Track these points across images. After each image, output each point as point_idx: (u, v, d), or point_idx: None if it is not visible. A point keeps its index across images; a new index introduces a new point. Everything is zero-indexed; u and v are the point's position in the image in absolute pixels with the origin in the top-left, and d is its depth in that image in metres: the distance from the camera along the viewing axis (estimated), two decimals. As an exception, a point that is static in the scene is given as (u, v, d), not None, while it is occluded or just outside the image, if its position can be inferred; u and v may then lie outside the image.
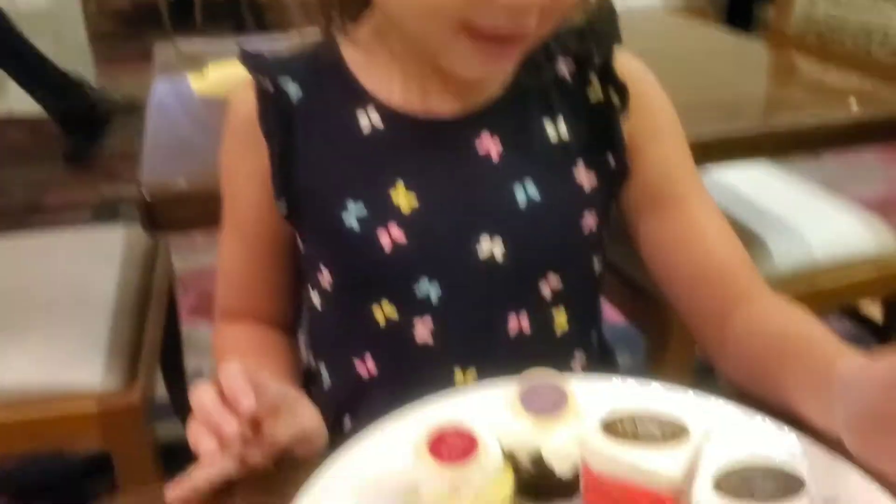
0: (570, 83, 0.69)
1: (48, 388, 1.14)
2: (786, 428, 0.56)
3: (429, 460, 0.48)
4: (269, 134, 0.68)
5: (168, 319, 1.50)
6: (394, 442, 0.54)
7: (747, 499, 0.44)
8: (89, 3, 4.59)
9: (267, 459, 0.56)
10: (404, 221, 0.65)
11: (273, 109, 0.68)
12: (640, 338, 1.54)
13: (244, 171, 0.72)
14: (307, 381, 0.79)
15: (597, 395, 0.55)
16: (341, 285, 0.69)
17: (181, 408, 1.67)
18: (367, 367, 0.70)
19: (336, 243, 0.67)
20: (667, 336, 1.35)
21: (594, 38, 0.69)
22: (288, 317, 0.79)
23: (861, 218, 1.57)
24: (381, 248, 0.65)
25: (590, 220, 0.69)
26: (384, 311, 0.67)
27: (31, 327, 1.23)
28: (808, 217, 1.54)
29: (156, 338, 1.36)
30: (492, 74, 0.65)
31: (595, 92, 0.69)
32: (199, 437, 0.53)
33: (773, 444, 0.55)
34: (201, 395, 0.54)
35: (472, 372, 0.68)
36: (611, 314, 1.95)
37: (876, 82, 1.39)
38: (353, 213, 0.65)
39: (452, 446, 0.48)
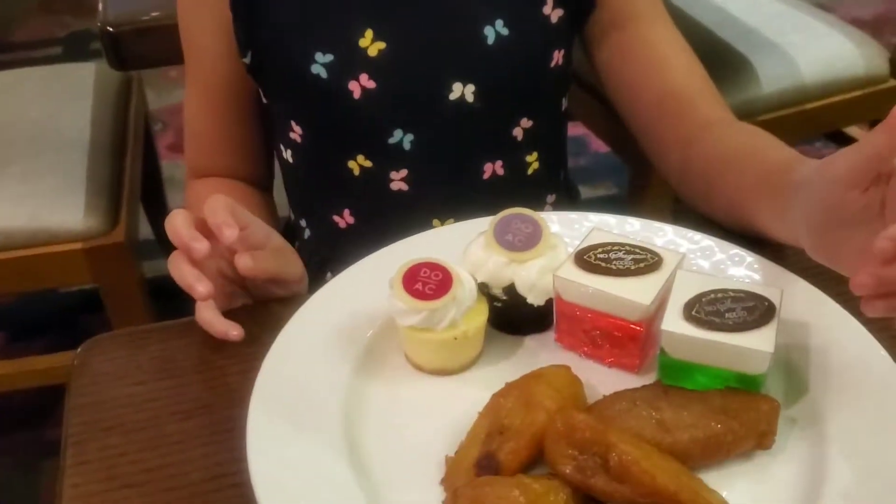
0: None
1: (33, 230, 1.14)
2: (762, 258, 0.57)
3: (405, 295, 0.49)
4: None
5: (146, 156, 1.48)
6: (372, 278, 0.54)
7: (718, 326, 0.45)
8: None
9: (250, 296, 0.57)
10: (373, 67, 0.63)
11: None
12: (624, 167, 1.54)
13: (204, 22, 0.69)
14: (290, 236, 0.79)
15: (572, 229, 0.55)
16: (313, 138, 0.68)
17: (166, 244, 1.68)
18: (344, 219, 0.70)
19: (305, 94, 0.65)
20: (649, 166, 1.35)
21: None
22: (260, 173, 0.77)
23: (851, 37, 1.52)
24: (351, 96, 0.64)
25: (557, 56, 0.67)
26: (358, 162, 0.67)
27: (9, 170, 1.21)
28: (797, 38, 1.49)
29: (135, 175, 1.35)
30: None
31: None
32: (176, 265, 0.53)
33: (749, 273, 0.56)
34: (174, 219, 0.54)
35: (449, 221, 0.68)
36: (597, 144, 1.94)
37: None
38: (321, 63, 0.64)
39: (428, 281, 0.49)
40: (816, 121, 1.51)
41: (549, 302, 0.52)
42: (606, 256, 0.50)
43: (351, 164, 0.67)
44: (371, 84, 0.63)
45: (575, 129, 1.76)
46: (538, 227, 0.52)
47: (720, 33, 1.50)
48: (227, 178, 0.76)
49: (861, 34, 1.56)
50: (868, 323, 0.50)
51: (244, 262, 0.53)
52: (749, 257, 0.57)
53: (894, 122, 0.43)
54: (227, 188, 0.74)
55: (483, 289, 0.53)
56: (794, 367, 0.49)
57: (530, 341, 0.54)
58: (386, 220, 0.68)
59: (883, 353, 0.49)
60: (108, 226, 1.18)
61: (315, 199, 0.73)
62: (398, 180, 0.67)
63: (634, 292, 0.48)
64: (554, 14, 0.66)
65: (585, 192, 1.99)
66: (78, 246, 1.16)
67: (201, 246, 0.51)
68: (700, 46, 1.48)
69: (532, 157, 0.70)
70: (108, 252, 1.17)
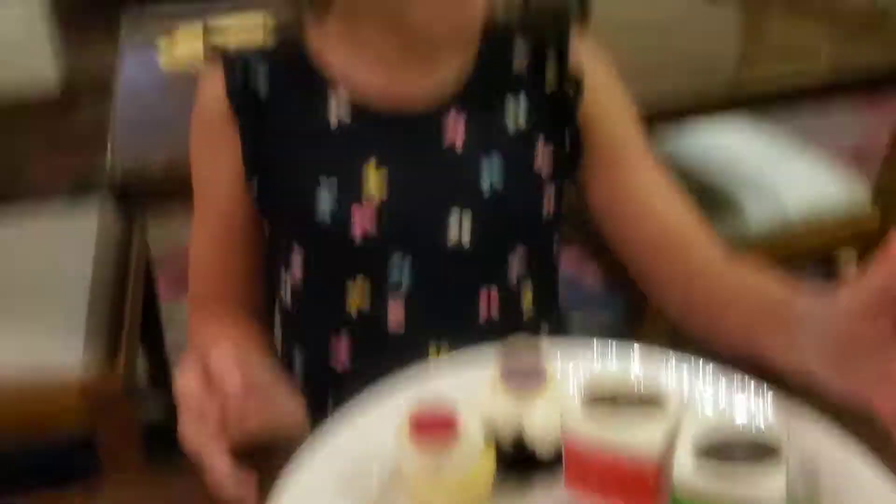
0: (529, 73, 0.71)
1: (29, 370, 1.14)
2: (765, 388, 0.57)
3: (411, 442, 0.49)
4: (238, 110, 0.69)
5: (146, 296, 1.49)
6: (376, 422, 0.54)
7: (728, 472, 0.45)
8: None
9: (242, 439, 0.56)
10: (374, 206, 0.66)
11: (242, 93, 0.69)
12: (619, 300, 1.56)
13: (216, 162, 0.72)
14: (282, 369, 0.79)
15: (576, 361, 0.56)
16: (313, 270, 0.70)
17: (163, 384, 1.67)
18: (340, 353, 0.71)
19: (309, 227, 0.68)
20: (643, 296, 1.37)
21: (552, 26, 0.71)
22: (261, 308, 0.79)
23: (834, 173, 1.58)
24: (352, 231, 0.66)
25: (548, 203, 0.71)
26: (356, 297, 0.68)
27: (9, 309, 1.22)
28: (780, 175, 1.56)
29: (135, 316, 1.37)
30: (457, 23, 0.64)
31: (552, 78, 0.71)
32: (186, 427, 0.53)
33: (753, 406, 0.56)
34: (185, 382, 0.53)
35: (442, 344, 0.70)
36: (592, 277, 1.97)
37: (843, 36, 1.40)
38: (325, 197, 0.66)
39: (434, 427, 0.49)
40: (804, 252, 1.55)
41: (557, 447, 0.52)
42: (614, 398, 0.50)
43: (350, 300, 0.69)
44: (373, 228, 0.66)
45: (568, 264, 1.79)
46: (542, 366, 0.53)
47: (708, 173, 1.56)
48: (230, 315, 0.76)
49: (843, 169, 1.63)
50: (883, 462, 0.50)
51: (249, 425, 0.54)
52: (757, 389, 0.57)
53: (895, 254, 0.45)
54: (230, 322, 0.75)
55: (490, 433, 0.52)
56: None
57: (539, 487, 0.54)
58: (382, 353, 0.69)
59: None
60: (105, 365, 1.19)
61: (312, 333, 0.74)
62: (395, 315, 0.69)
63: (643, 435, 0.48)
64: (544, 168, 0.70)
65: (581, 324, 2.01)
66: (74, 386, 1.16)
67: (214, 418, 0.52)
68: (689, 186, 1.54)
69: (527, 295, 0.72)
70: (104, 394, 1.17)
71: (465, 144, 0.68)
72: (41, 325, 1.20)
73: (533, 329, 0.74)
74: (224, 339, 0.64)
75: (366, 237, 0.66)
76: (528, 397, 0.51)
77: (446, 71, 0.68)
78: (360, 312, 0.69)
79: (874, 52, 1.31)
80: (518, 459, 0.52)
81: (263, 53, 0.71)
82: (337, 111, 0.68)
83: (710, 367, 0.59)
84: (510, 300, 0.71)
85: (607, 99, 0.72)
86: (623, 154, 0.72)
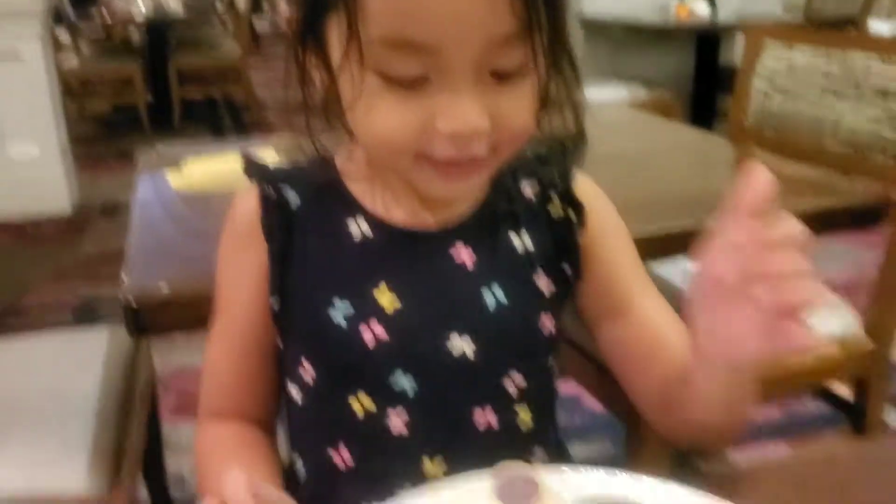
0: (535, 202, 0.77)
1: (33, 495, 1.15)
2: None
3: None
4: (270, 235, 0.73)
5: (150, 420, 1.51)
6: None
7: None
8: (69, 108, 4.70)
9: None
10: (386, 320, 0.70)
11: (274, 214, 0.73)
12: (619, 425, 1.57)
13: (242, 269, 0.75)
14: (286, 481, 0.80)
15: (567, 485, 0.58)
16: (323, 379, 0.73)
17: (162, 508, 1.67)
18: (342, 457, 0.74)
19: (323, 338, 0.71)
20: (644, 423, 1.39)
21: (556, 164, 0.77)
22: (271, 415, 0.81)
23: (826, 302, 1.62)
24: (364, 344, 0.70)
25: (547, 322, 0.75)
26: (362, 404, 0.71)
27: (14, 432, 1.24)
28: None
29: (139, 440, 1.38)
30: (457, 194, 0.71)
31: (556, 209, 0.77)
32: None
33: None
34: None
35: (440, 463, 0.72)
36: (591, 402, 1.98)
37: (829, 174, 1.47)
38: (340, 311, 0.70)
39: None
40: (798, 379, 1.57)
41: (550, 560, 0.54)
42: (602, 514, 0.52)
43: (356, 405, 0.71)
44: (384, 335, 0.70)
45: (568, 389, 1.81)
46: (535, 485, 0.55)
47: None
48: (238, 426, 0.78)
49: (835, 299, 1.67)
50: None
51: None
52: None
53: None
54: (240, 440, 0.77)
55: (486, 547, 0.55)
56: None
57: None
58: (382, 457, 0.72)
59: None
60: (107, 490, 1.19)
61: (316, 438, 0.76)
62: (397, 422, 0.71)
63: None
64: (545, 286, 0.75)
65: (581, 450, 2.02)
66: (78, 513, 1.17)
67: None
68: (678, 310, 1.58)
69: (524, 412, 0.75)
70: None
71: (474, 263, 0.73)
72: (46, 449, 1.21)
73: (528, 450, 0.77)
74: (235, 466, 0.66)
75: (377, 346, 0.70)
76: (521, 512, 0.54)
77: (459, 205, 0.74)
78: (366, 415, 0.71)
79: (856, 190, 1.38)
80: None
81: (297, 172, 0.75)
82: (360, 228, 0.73)
83: (702, 493, 0.62)
84: (508, 416, 0.74)
85: (606, 231, 0.78)
86: (626, 293, 0.77)
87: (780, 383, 1.54)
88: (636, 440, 1.44)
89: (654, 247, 1.22)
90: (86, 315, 2.93)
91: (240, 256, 0.75)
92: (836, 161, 1.63)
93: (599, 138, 1.70)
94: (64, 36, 5.62)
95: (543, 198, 0.77)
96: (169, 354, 2.33)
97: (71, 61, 5.53)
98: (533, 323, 0.74)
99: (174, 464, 1.78)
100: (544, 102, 0.67)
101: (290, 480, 0.79)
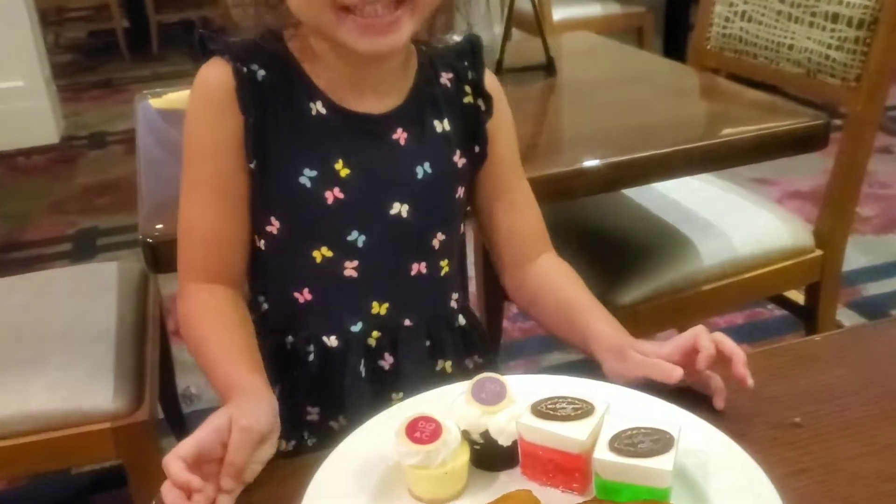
0: (451, 90, 0.93)
1: (67, 413, 1.28)
2: (667, 403, 0.75)
3: (407, 441, 0.66)
4: (246, 108, 0.84)
5: (161, 343, 1.64)
6: (381, 432, 0.71)
7: (633, 453, 0.62)
8: (46, 36, 4.68)
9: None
10: (342, 184, 0.86)
11: (248, 87, 0.85)
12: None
13: (218, 136, 0.85)
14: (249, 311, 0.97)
15: (528, 386, 0.73)
16: (289, 234, 0.88)
17: (176, 422, 1.82)
18: (303, 295, 0.90)
19: (293, 198, 0.86)
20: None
21: (469, 58, 0.94)
22: (245, 264, 0.92)
23: (778, 215, 1.75)
24: (326, 202, 0.86)
25: (461, 191, 0.94)
26: (323, 255, 0.88)
27: (46, 359, 1.36)
28: (732, 218, 1.71)
29: (154, 361, 1.50)
30: (382, 49, 0.82)
31: (468, 98, 0.94)
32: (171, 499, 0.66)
33: (657, 413, 0.73)
34: (169, 467, 0.66)
35: (385, 303, 0.91)
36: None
37: (784, 100, 1.58)
38: (307, 178, 0.85)
39: (424, 430, 0.66)
40: (754, 289, 1.71)
41: (516, 443, 0.69)
42: (554, 407, 0.67)
43: (315, 253, 0.88)
44: (341, 196, 0.85)
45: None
46: (504, 386, 0.70)
47: (664, 216, 1.73)
48: (223, 297, 0.88)
49: (787, 212, 1.80)
50: (747, 448, 0.68)
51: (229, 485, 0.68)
52: (658, 403, 0.74)
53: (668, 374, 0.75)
54: (226, 315, 0.87)
55: (465, 435, 0.69)
56: (692, 483, 0.66)
57: (503, 475, 0.70)
58: (337, 296, 0.90)
59: (759, 471, 0.66)
60: (133, 406, 1.33)
61: (280, 280, 0.92)
62: (350, 269, 0.88)
63: (575, 432, 0.65)
64: (460, 162, 0.92)
65: (559, 357, 2.18)
66: (107, 425, 1.30)
67: (197, 484, 0.65)
68: (645, 227, 1.72)
69: (444, 263, 0.94)
70: (134, 432, 1.31)
71: (407, 141, 0.89)
72: (76, 372, 1.32)
73: (448, 292, 0.96)
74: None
75: (335, 204, 0.86)
76: (492, 408, 0.69)
77: (394, 89, 0.89)
78: (324, 262, 0.88)
79: (804, 114, 1.47)
80: (486, 450, 0.70)
81: (257, 48, 0.86)
82: (317, 108, 0.86)
83: (628, 389, 0.77)
84: (433, 266, 0.93)
85: (503, 125, 0.96)
86: (509, 179, 0.96)
87: (740, 292, 1.68)
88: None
89: (617, 175, 1.34)
90: (85, 246, 3.03)
91: (217, 124, 0.85)
92: (790, 81, 1.75)
93: (568, 67, 1.81)
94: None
95: (458, 88, 0.93)
96: (168, 281, 2.44)
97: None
98: (452, 192, 0.92)
99: (182, 381, 1.93)
100: None
101: (254, 312, 0.95)
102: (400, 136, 0.88)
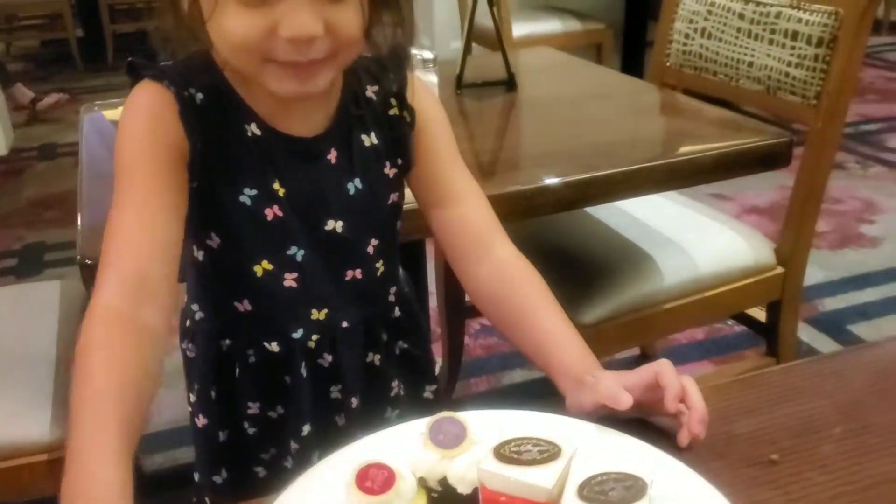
0: (377, 103, 0.94)
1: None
2: (639, 441, 0.71)
3: (357, 492, 0.60)
4: (191, 132, 0.83)
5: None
6: (329, 480, 0.66)
7: (601, 502, 0.57)
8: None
9: None
10: (280, 202, 0.87)
11: (191, 112, 0.84)
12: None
13: (158, 151, 0.82)
14: (183, 318, 0.99)
15: (490, 424, 0.68)
16: (229, 247, 0.89)
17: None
18: (243, 305, 0.92)
19: (234, 216, 0.87)
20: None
21: (392, 71, 0.94)
22: (170, 277, 0.83)
23: (740, 232, 1.74)
24: (266, 219, 0.87)
25: (394, 196, 0.96)
26: (263, 267, 0.89)
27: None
28: (692, 235, 1.70)
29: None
30: (306, 91, 0.82)
31: (393, 111, 0.94)
32: None
33: (628, 455, 0.69)
34: None
35: (324, 309, 0.93)
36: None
37: (743, 117, 1.57)
38: (248, 195, 0.86)
39: (375, 479, 0.61)
40: (716, 307, 1.70)
41: (476, 490, 0.64)
42: (518, 450, 0.63)
43: (256, 267, 0.89)
44: (280, 213, 0.87)
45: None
46: (463, 428, 0.65)
47: (625, 233, 1.70)
48: (135, 346, 0.75)
49: (749, 229, 1.79)
50: (723, 489, 0.64)
51: None
52: (629, 441, 0.70)
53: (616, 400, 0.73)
54: (123, 380, 0.72)
55: (421, 482, 0.64)
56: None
57: (462, 523, 0.65)
58: (277, 306, 0.91)
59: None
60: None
61: (219, 291, 0.94)
62: (290, 280, 0.90)
63: (540, 478, 0.60)
64: (391, 172, 0.94)
65: (521, 375, 2.15)
66: (43, 457, 1.23)
67: None
68: (607, 245, 1.70)
69: (379, 264, 0.95)
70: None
71: (337, 160, 0.90)
72: (11, 399, 1.26)
73: (385, 291, 0.99)
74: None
75: (275, 221, 0.87)
76: (451, 452, 0.64)
77: (321, 113, 0.90)
78: (265, 275, 0.89)
79: (766, 132, 1.47)
80: (444, 498, 0.65)
81: (192, 72, 0.85)
82: (253, 131, 0.87)
83: (597, 426, 0.73)
84: (368, 269, 0.95)
85: (434, 128, 0.97)
86: (450, 183, 0.97)
87: (702, 310, 1.66)
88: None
89: (580, 193, 1.31)
90: (31, 262, 2.94)
91: (157, 140, 0.83)
92: (750, 99, 1.74)
93: (528, 83, 1.79)
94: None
95: (384, 100, 0.94)
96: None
97: (-6, -5, 5.34)
98: (384, 201, 0.94)
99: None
100: (374, 18, 0.81)
101: (186, 319, 0.98)
102: (331, 155, 0.91)
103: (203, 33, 0.81)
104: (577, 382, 0.80)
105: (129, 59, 0.87)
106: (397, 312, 1.01)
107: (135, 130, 0.84)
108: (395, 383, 1.02)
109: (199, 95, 0.85)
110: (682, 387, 0.74)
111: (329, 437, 0.93)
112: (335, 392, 0.96)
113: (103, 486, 0.62)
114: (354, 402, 0.97)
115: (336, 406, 0.97)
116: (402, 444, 0.66)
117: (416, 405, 1.03)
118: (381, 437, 0.71)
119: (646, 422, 0.75)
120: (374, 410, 1.00)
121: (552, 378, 0.85)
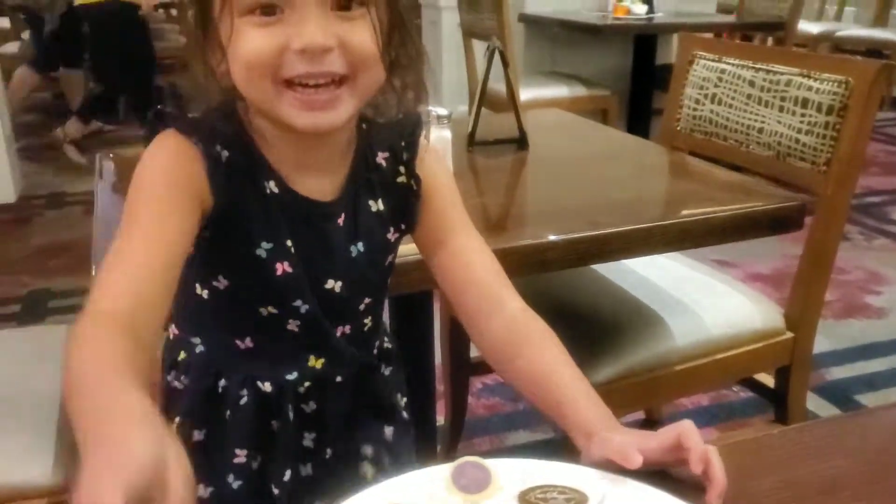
0: (386, 170, 0.96)
1: (2, 488, 1.20)
2: (663, 493, 0.69)
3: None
4: (217, 191, 0.85)
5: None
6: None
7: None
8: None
9: None
10: (290, 259, 0.90)
11: (216, 170, 0.85)
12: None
13: (180, 201, 0.82)
14: (175, 350, 0.99)
15: (515, 472, 0.67)
16: (236, 290, 0.91)
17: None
18: (244, 343, 0.94)
19: (248, 266, 0.89)
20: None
21: (404, 139, 0.96)
22: (162, 314, 0.81)
23: (748, 296, 1.74)
24: (276, 273, 0.89)
25: (390, 258, 0.99)
26: (268, 310, 0.91)
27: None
28: (702, 298, 1.70)
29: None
30: (321, 125, 0.83)
31: (402, 179, 0.96)
32: None
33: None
34: None
35: (321, 359, 0.96)
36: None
37: (756, 180, 1.58)
38: (264, 249, 0.88)
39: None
40: (726, 370, 1.69)
41: (500, 536, 0.63)
42: (544, 496, 0.62)
43: (261, 310, 0.92)
44: (289, 270, 0.89)
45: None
46: (487, 472, 0.64)
47: (635, 294, 1.70)
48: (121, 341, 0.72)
49: (757, 293, 1.79)
50: None
51: None
52: (653, 494, 0.69)
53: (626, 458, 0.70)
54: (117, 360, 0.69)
55: (444, 527, 0.63)
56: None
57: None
58: (280, 347, 0.94)
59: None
60: (73, 480, 1.24)
61: (221, 328, 0.95)
62: (293, 325, 0.93)
63: (566, 526, 0.59)
64: (393, 237, 0.97)
65: (525, 436, 2.12)
66: (44, 502, 1.21)
67: None
68: (616, 303, 1.69)
69: (367, 320, 0.99)
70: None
71: (345, 223, 0.92)
72: (13, 443, 1.25)
73: (370, 342, 1.02)
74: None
75: (284, 276, 0.89)
76: (474, 496, 0.63)
77: (337, 175, 0.92)
78: (269, 317, 0.92)
79: (777, 196, 1.47)
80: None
81: (217, 128, 0.86)
82: (272, 188, 0.88)
83: (623, 475, 0.71)
84: (357, 325, 0.98)
85: (441, 189, 0.98)
86: (451, 230, 0.98)
87: (712, 372, 1.65)
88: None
89: (592, 249, 1.31)
90: (35, 308, 2.93)
91: (180, 185, 0.82)
92: (760, 163, 1.75)
93: (539, 142, 1.81)
94: (3, 21, 5.51)
95: (394, 167, 0.96)
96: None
97: (10, 47, 5.43)
98: (382, 264, 0.97)
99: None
100: (387, 40, 0.82)
101: (185, 353, 0.98)
102: (340, 219, 0.93)
103: (226, 79, 0.82)
104: (597, 439, 0.78)
105: (155, 108, 0.88)
106: (382, 367, 1.04)
107: (157, 166, 0.85)
108: (373, 435, 1.03)
109: (225, 153, 0.86)
110: (705, 450, 0.72)
111: (299, 485, 0.97)
112: (308, 440, 0.98)
113: (123, 410, 0.57)
114: (328, 452, 0.99)
115: (307, 454, 0.99)
116: (425, 488, 0.65)
117: (396, 463, 1.04)
118: (404, 481, 0.70)
119: (668, 473, 0.74)
120: (349, 462, 1.02)
121: (569, 434, 0.83)
